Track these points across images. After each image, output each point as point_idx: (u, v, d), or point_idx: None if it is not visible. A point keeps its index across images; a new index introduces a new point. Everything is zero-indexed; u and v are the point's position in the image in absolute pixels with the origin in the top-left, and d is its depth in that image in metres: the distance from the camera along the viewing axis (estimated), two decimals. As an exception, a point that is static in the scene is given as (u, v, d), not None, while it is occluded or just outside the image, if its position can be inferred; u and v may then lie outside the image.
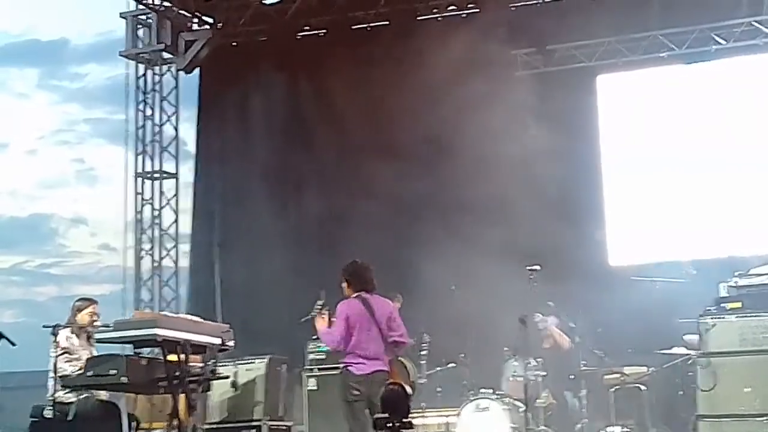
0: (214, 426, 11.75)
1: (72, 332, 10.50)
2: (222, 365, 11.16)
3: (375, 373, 9.64)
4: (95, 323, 10.47)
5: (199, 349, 10.13)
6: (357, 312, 9.81)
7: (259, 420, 12.01)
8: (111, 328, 10.06)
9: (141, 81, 17.69)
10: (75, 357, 10.36)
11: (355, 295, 9.96)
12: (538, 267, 11.41)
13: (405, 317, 14.09)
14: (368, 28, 17.30)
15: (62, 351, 10.27)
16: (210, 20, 17.79)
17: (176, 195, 17.61)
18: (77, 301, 10.79)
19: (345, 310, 9.84)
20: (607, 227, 15.45)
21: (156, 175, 17.51)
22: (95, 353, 10.41)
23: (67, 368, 10.18)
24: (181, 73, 17.86)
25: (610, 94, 15.93)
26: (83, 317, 10.56)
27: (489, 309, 12.62)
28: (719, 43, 15.27)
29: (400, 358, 10.32)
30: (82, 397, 10.24)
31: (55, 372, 10.07)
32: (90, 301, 10.78)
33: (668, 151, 15.39)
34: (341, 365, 9.91)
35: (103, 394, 10.39)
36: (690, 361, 11.52)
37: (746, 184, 14.92)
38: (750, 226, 14.73)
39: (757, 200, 14.81)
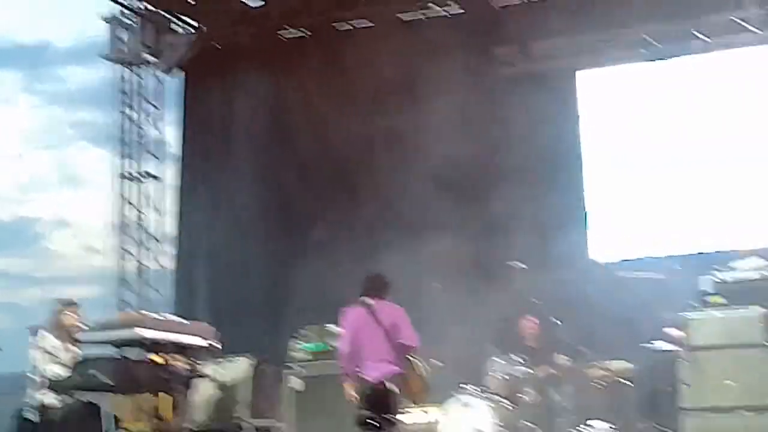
0: (199, 426, 11.73)
1: (54, 335, 10.49)
2: (206, 365, 11.16)
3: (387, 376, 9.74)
4: (77, 325, 10.48)
5: (184, 349, 10.17)
6: (357, 318, 9.95)
7: (243, 420, 12.00)
8: (95, 329, 10.10)
9: (124, 83, 17.65)
10: (58, 359, 10.36)
11: (359, 301, 10.06)
12: (521, 264, 11.44)
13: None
14: (351, 29, 17.30)
15: (45, 352, 10.28)
16: (193, 22, 17.76)
17: (161, 197, 17.59)
18: (59, 302, 10.78)
19: (344, 322, 10.07)
20: (589, 223, 15.50)
21: (140, 177, 17.48)
22: (78, 354, 10.42)
23: (56, 370, 10.18)
24: (165, 75, 17.83)
25: (591, 90, 15.96)
26: (65, 319, 10.56)
27: (473, 306, 12.66)
28: (700, 39, 15.29)
29: (410, 357, 10.35)
30: (67, 399, 10.24)
31: (37, 374, 10.08)
32: (71, 302, 10.77)
33: (649, 147, 15.45)
34: (354, 374, 9.91)
35: (87, 395, 10.40)
36: (674, 356, 11.55)
37: (728, 179, 14.97)
38: (732, 221, 14.77)
39: (739, 195, 14.86)
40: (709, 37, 15.23)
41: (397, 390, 10.12)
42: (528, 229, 13.17)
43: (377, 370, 9.84)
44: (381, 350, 9.94)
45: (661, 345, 12.03)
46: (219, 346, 10.68)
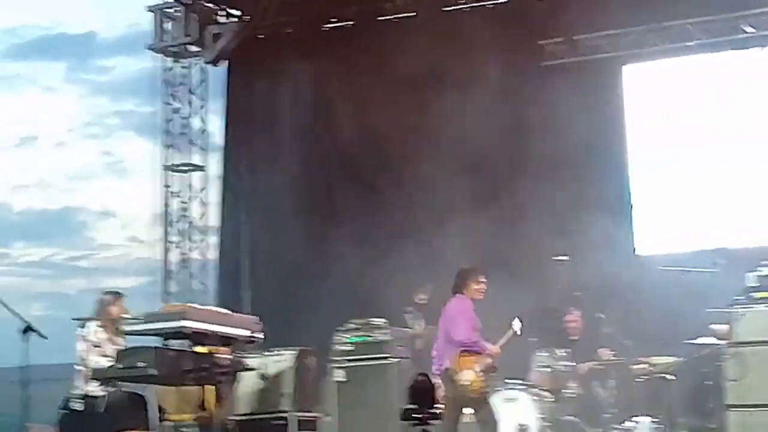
0: (243, 417, 11.78)
1: (100, 325, 10.56)
2: (250, 357, 11.19)
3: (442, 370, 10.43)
4: (123, 316, 10.53)
5: (228, 340, 10.20)
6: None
7: (287, 412, 12.03)
8: (140, 321, 10.15)
9: (168, 74, 17.73)
10: (103, 350, 10.43)
11: None
12: (565, 257, 11.40)
13: (434, 306, 14.18)
14: (395, 19, 17.27)
15: (93, 344, 10.34)
16: (237, 13, 17.79)
17: (204, 187, 17.66)
18: (105, 294, 10.84)
19: None
20: (635, 217, 15.42)
21: (184, 168, 17.55)
22: (123, 345, 10.48)
23: (102, 362, 10.25)
24: (209, 65, 17.88)
25: (637, 84, 15.87)
26: (111, 310, 10.62)
27: (516, 299, 12.61)
28: (748, 32, 15.17)
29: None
30: (111, 389, 10.30)
31: (84, 365, 10.14)
32: (118, 294, 10.84)
33: (696, 140, 15.34)
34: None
35: (132, 386, 10.46)
36: (719, 351, 11.48)
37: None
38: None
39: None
40: (757, 30, 15.10)
41: (439, 384, 10.21)
42: (573, 221, 13.11)
43: (434, 363, 10.19)
44: (440, 344, 10.67)
45: (706, 340, 11.96)
46: (262, 338, 10.70)
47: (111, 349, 10.39)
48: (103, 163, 47.11)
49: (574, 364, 12.33)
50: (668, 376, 12.38)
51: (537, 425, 11.94)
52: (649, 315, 11.99)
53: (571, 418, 12.06)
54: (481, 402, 10.65)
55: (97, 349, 10.40)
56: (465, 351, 10.71)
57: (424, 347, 14.03)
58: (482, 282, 10.91)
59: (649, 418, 11.85)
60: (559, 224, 13.12)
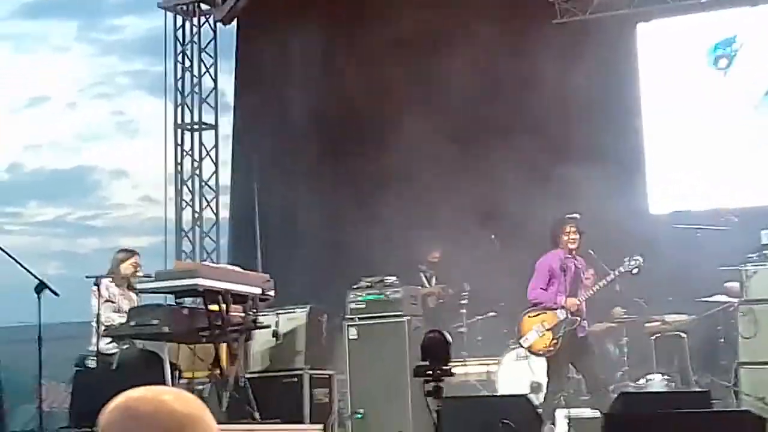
0: (256, 375, 11.81)
1: (113, 282, 10.60)
2: (263, 315, 11.21)
3: None
4: (137, 274, 10.57)
5: (241, 298, 10.22)
6: None
7: (300, 369, 12.06)
8: (153, 279, 10.17)
9: (179, 32, 17.68)
10: (118, 308, 10.46)
11: None
12: (577, 215, 11.37)
13: (445, 267, 14.21)
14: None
15: (105, 300, 10.37)
16: (248, -29, 17.73)
17: (216, 146, 17.66)
18: (118, 252, 10.88)
19: None
20: (648, 175, 15.38)
21: (195, 127, 17.54)
22: (136, 304, 10.51)
23: (115, 318, 10.28)
24: (220, 24, 17.82)
25: (651, 42, 15.79)
26: (125, 268, 10.66)
27: (529, 257, 12.60)
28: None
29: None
30: (124, 347, 10.35)
31: (98, 322, 10.17)
32: (131, 252, 10.88)
33: (709, 98, 15.27)
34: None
35: (146, 344, 10.50)
36: (731, 309, 11.49)
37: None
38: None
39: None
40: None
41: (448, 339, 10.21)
42: (586, 179, 13.06)
43: None
44: None
45: (718, 298, 11.97)
46: (274, 296, 10.71)
47: (125, 305, 10.43)
48: (115, 123, 47.05)
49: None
50: (681, 334, 12.42)
51: (549, 383, 11.98)
52: (662, 273, 11.94)
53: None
54: (549, 360, 10.97)
55: (110, 304, 10.43)
56: (533, 309, 10.90)
57: (436, 305, 14.09)
58: (569, 232, 10.95)
59: (661, 376, 11.90)
60: (571, 182, 13.05)
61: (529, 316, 11.09)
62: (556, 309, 10.89)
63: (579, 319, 10.90)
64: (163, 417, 2.41)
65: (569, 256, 11.01)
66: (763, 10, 15.08)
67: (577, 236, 11.02)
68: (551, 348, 10.90)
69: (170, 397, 2.45)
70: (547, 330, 10.87)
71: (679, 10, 15.55)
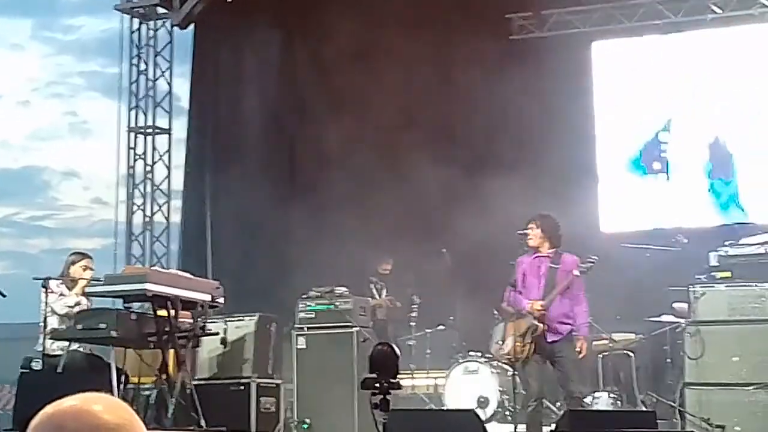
0: (203, 382, 11.76)
1: (62, 284, 10.53)
2: (212, 322, 11.18)
3: None
4: (86, 277, 10.51)
5: (189, 305, 10.18)
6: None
7: (248, 377, 12.03)
8: (102, 282, 10.12)
9: (135, 35, 17.57)
10: (67, 311, 10.39)
11: (552, 250, 10.49)
12: (528, 231, 11.38)
13: (395, 279, 14.20)
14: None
15: (58, 296, 10.33)
16: (205, -25, 17.69)
17: (169, 150, 17.53)
18: (71, 254, 10.85)
19: None
20: (599, 193, 15.48)
21: (149, 130, 17.42)
22: (86, 307, 10.44)
23: (70, 302, 10.23)
24: (176, 28, 17.74)
25: (605, 61, 15.91)
26: (76, 270, 10.60)
27: (478, 272, 12.64)
28: (715, 12, 15.23)
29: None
30: (70, 349, 10.27)
31: (45, 322, 10.11)
32: (83, 255, 10.83)
33: (661, 118, 15.41)
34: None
35: (93, 348, 10.44)
36: (678, 329, 11.56)
37: (740, 152, 14.95)
38: (743, 195, 14.77)
39: (751, 169, 14.84)
40: (723, 10, 15.16)
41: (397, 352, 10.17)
42: (538, 196, 13.11)
43: None
44: None
45: (666, 318, 12.04)
46: (224, 303, 10.68)
47: (75, 310, 10.36)
48: (67, 123, 46.79)
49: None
50: (628, 353, 12.48)
51: (497, 398, 12.01)
52: (610, 292, 12.01)
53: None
54: (520, 366, 10.47)
55: (59, 303, 10.37)
56: (514, 314, 10.58)
57: (385, 317, 14.08)
58: (526, 230, 10.69)
59: (607, 394, 11.95)
60: (524, 198, 13.11)
61: (510, 323, 10.80)
62: (524, 315, 10.56)
63: (542, 324, 10.56)
64: (90, 430, 2.38)
65: (538, 255, 10.73)
66: (713, 34, 15.26)
67: (533, 230, 10.71)
68: (519, 355, 10.54)
69: (100, 407, 2.42)
70: (520, 336, 10.53)
71: (635, 31, 15.68)
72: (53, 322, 10.33)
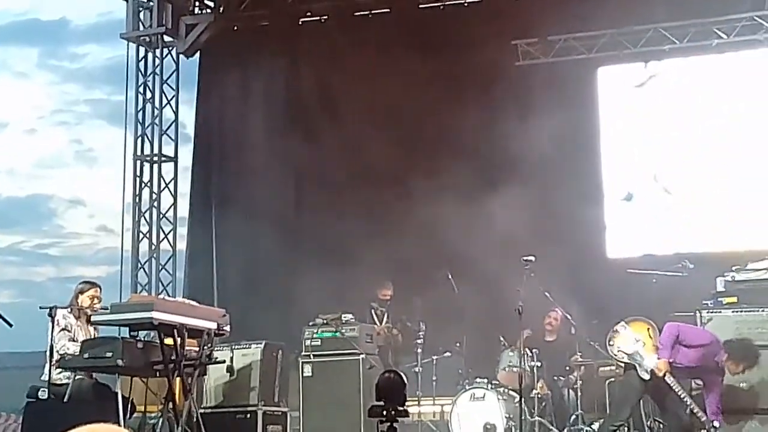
0: (210, 410, 11.75)
1: (70, 313, 10.52)
2: (218, 350, 11.17)
3: None
4: (95, 306, 10.49)
5: (196, 333, 10.16)
6: None
7: (254, 405, 12.02)
8: (108, 311, 10.10)
9: (141, 63, 17.63)
10: (72, 336, 10.38)
11: None
12: (533, 258, 11.40)
13: (401, 306, 14.17)
14: (370, 15, 17.24)
15: (61, 329, 10.29)
16: (211, 4, 17.76)
17: (175, 178, 17.57)
18: (80, 283, 10.83)
19: None
20: (606, 219, 15.46)
21: (155, 158, 17.46)
22: (93, 336, 10.43)
23: (70, 347, 10.19)
24: (182, 56, 17.80)
25: (611, 86, 15.93)
26: (84, 299, 10.59)
27: (485, 298, 12.63)
28: (720, 38, 15.25)
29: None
30: (76, 378, 10.25)
31: (51, 353, 10.08)
32: (92, 284, 10.81)
33: (667, 143, 15.41)
34: None
35: (99, 376, 10.41)
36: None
37: (745, 178, 14.94)
38: (748, 221, 14.74)
39: (756, 195, 14.81)
40: (729, 36, 15.18)
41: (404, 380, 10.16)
42: (545, 222, 13.14)
43: None
44: None
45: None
46: (230, 331, 10.67)
47: (81, 337, 10.35)
48: (73, 152, 46.91)
49: (541, 364, 12.37)
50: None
51: (503, 425, 11.98)
52: (617, 317, 12.00)
53: (538, 418, 12.11)
54: None
55: (66, 333, 10.35)
56: None
57: (384, 344, 14.01)
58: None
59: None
60: (530, 224, 13.12)
61: None
62: None
63: None
64: None
65: None
66: (719, 59, 15.28)
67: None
68: None
69: None
70: None
71: (639, 56, 15.69)
72: (65, 347, 10.28)
